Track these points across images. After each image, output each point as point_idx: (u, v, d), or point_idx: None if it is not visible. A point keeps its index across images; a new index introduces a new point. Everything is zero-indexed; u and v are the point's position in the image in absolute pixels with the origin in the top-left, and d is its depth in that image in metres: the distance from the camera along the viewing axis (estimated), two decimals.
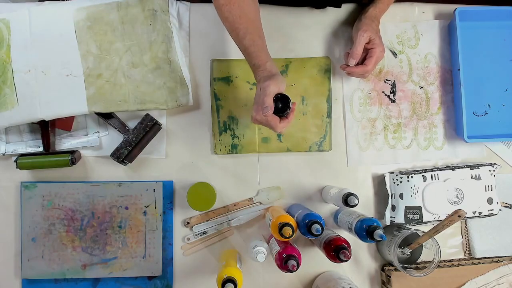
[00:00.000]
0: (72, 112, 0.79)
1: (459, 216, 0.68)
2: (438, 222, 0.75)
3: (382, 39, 0.81)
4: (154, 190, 0.83)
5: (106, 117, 0.81)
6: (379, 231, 0.68)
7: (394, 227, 0.84)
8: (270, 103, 0.65)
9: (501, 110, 0.90)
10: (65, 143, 0.83)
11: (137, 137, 0.80)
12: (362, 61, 0.81)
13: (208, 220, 0.85)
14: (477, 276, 0.84)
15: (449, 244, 0.88)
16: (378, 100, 0.89)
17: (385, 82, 0.89)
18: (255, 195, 0.86)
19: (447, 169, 0.85)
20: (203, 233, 0.84)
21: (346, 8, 0.89)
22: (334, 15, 0.89)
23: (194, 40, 0.87)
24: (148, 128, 0.80)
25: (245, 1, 0.69)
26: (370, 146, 0.88)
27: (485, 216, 0.85)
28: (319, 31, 0.89)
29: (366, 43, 0.80)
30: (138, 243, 0.83)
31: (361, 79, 0.89)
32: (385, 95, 0.89)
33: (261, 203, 0.86)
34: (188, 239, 0.84)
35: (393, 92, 0.89)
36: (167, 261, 0.84)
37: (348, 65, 0.81)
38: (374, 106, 0.89)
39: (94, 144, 0.83)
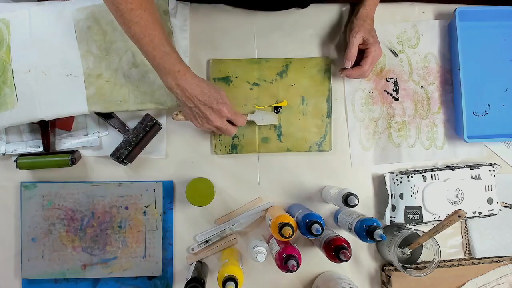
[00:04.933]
0: (72, 112, 0.79)
1: (459, 216, 0.68)
2: (438, 222, 0.75)
3: (377, 37, 0.81)
4: (154, 190, 0.83)
5: (106, 117, 0.81)
6: (379, 231, 0.68)
7: (394, 227, 0.84)
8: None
9: (501, 110, 0.90)
10: (65, 143, 0.83)
11: (137, 137, 0.79)
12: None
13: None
14: (477, 276, 0.84)
15: (449, 244, 0.88)
16: (381, 99, 0.89)
17: (387, 80, 0.89)
18: (250, 113, 0.83)
19: (447, 169, 0.85)
20: (207, 241, 0.84)
21: (348, 8, 0.89)
22: (334, 15, 0.89)
23: (194, 40, 0.87)
24: (148, 128, 0.80)
25: (154, 7, 0.67)
26: (373, 146, 0.88)
27: (485, 216, 0.85)
28: (319, 31, 0.89)
29: (360, 44, 0.80)
30: (138, 243, 0.83)
31: (362, 79, 0.89)
32: (388, 93, 0.89)
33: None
34: (193, 249, 0.84)
35: (396, 90, 0.89)
36: (167, 261, 0.84)
37: (345, 68, 0.81)
38: (376, 105, 0.89)
39: (94, 144, 0.83)
